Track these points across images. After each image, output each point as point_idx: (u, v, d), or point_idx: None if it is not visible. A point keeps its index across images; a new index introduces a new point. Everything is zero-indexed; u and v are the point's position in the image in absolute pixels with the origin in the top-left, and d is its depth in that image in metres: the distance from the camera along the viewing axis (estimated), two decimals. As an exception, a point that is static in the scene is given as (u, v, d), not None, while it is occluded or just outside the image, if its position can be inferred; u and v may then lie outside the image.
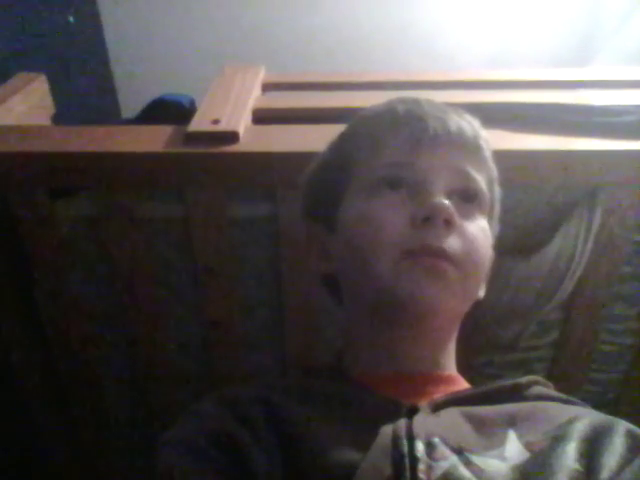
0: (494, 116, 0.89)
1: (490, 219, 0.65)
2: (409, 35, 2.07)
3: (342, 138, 0.69)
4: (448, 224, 0.57)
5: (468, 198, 0.61)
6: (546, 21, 2.05)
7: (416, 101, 0.65)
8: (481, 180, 0.62)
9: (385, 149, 0.62)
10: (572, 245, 0.87)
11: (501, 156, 0.74)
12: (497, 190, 0.68)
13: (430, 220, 0.57)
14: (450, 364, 0.65)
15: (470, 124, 0.64)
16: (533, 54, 2.06)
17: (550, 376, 1.02)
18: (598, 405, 0.58)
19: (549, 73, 1.11)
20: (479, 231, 0.60)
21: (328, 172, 0.68)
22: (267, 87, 1.08)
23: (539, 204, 0.88)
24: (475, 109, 0.89)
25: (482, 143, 0.64)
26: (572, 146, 0.84)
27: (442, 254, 0.56)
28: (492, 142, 0.77)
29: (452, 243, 0.57)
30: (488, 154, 0.65)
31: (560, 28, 2.05)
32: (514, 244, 0.72)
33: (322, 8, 2.06)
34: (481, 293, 0.66)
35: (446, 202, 0.57)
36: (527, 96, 0.96)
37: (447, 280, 0.56)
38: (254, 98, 0.99)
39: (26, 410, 1.08)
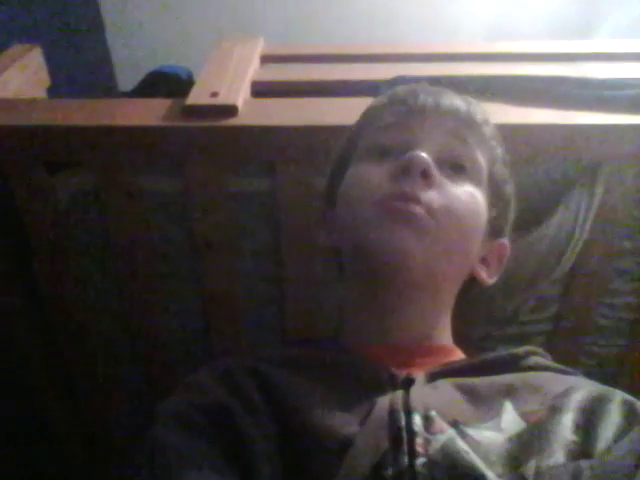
0: (495, 89, 0.89)
1: (493, 198, 0.65)
2: (409, 7, 2.04)
3: (353, 125, 0.72)
4: (426, 177, 0.58)
5: (458, 167, 0.62)
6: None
7: (418, 84, 0.68)
8: (475, 148, 0.63)
9: (380, 120, 0.66)
10: (573, 220, 0.87)
11: (501, 130, 0.74)
12: (502, 172, 0.68)
13: (407, 172, 0.58)
14: (444, 335, 0.65)
15: (467, 103, 0.65)
16: (534, 26, 2.03)
17: (548, 350, 1.02)
18: (596, 379, 0.58)
19: (550, 45, 1.09)
20: (466, 195, 0.61)
21: (340, 154, 0.71)
22: (266, 59, 1.06)
23: (540, 178, 0.88)
24: (476, 82, 0.89)
25: (478, 119, 0.65)
26: (574, 120, 0.83)
27: (415, 200, 0.57)
28: (492, 116, 0.76)
29: (430, 196, 0.58)
30: (486, 131, 0.65)
31: (563, 1, 2.02)
32: (515, 218, 0.73)
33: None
34: (489, 279, 0.67)
35: (424, 154, 0.58)
36: (528, 69, 0.95)
37: (419, 226, 0.57)
38: (253, 71, 0.98)
39: (27, 386, 1.09)
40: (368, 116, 0.69)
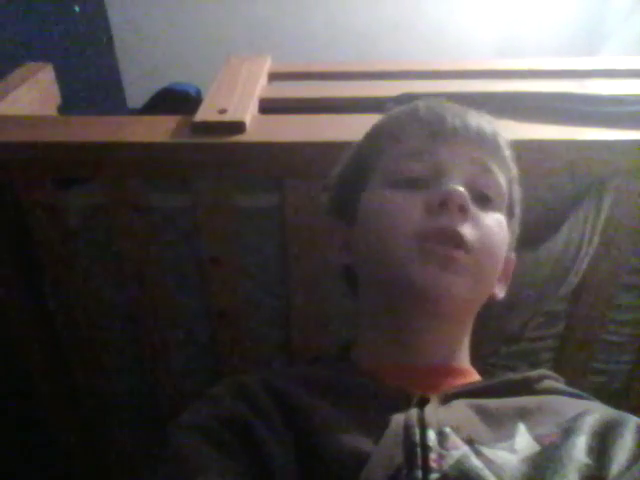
0: (501, 106, 0.89)
1: (510, 218, 0.66)
2: (416, 24, 2.06)
3: (366, 137, 0.71)
4: (462, 210, 0.58)
5: (485, 192, 0.62)
6: (553, 11, 2.04)
7: (437, 100, 0.67)
8: (500, 174, 0.63)
9: (406, 141, 0.64)
10: (580, 236, 0.87)
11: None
12: (517, 190, 0.68)
13: (445, 205, 0.57)
14: (464, 357, 0.65)
15: (490, 123, 0.65)
16: (540, 44, 2.05)
17: (556, 366, 1.02)
18: (605, 395, 0.58)
19: (556, 62, 1.10)
20: (495, 223, 0.61)
21: (353, 169, 0.70)
22: (273, 77, 1.07)
23: (546, 194, 0.88)
24: (482, 98, 0.89)
25: (501, 142, 0.65)
26: (580, 136, 0.83)
27: (457, 239, 0.57)
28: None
29: (467, 230, 0.58)
30: (507, 154, 0.66)
31: (567, 17, 2.03)
32: (521, 235, 0.73)
33: (328, -2, 2.05)
34: (500, 294, 0.67)
35: (461, 188, 0.58)
36: (534, 86, 0.96)
37: (460, 268, 0.57)
38: (260, 88, 0.99)
39: (34, 399, 1.09)
40: (389, 136, 0.66)
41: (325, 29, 2.06)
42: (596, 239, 0.88)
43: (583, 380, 1.02)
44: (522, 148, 0.81)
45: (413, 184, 0.61)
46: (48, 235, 0.92)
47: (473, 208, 0.59)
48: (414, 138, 0.63)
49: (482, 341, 0.97)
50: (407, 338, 0.62)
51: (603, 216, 0.86)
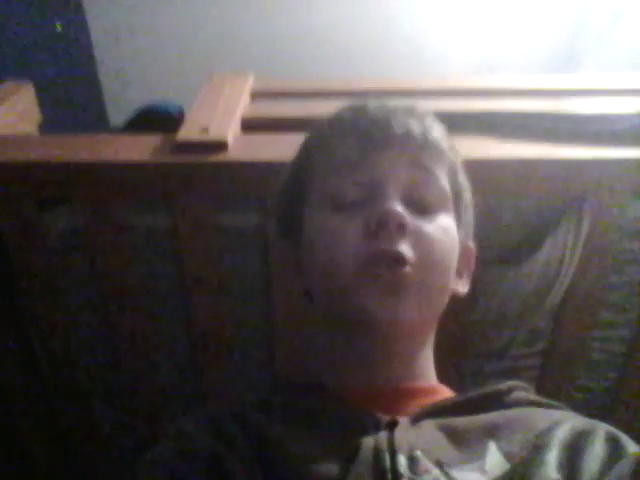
0: (480, 124, 0.90)
1: (457, 211, 0.64)
2: (395, 43, 2.08)
3: (297, 154, 0.69)
4: (401, 229, 0.56)
5: (425, 198, 0.60)
6: (532, 29, 2.07)
7: (362, 107, 0.65)
8: (439, 173, 0.61)
9: (334, 157, 0.62)
10: (561, 253, 0.88)
11: (487, 165, 0.74)
12: (463, 178, 0.66)
13: (383, 227, 0.56)
14: (428, 374, 0.64)
15: (420, 121, 0.62)
16: (519, 62, 2.07)
17: (540, 384, 1.02)
18: (589, 413, 0.58)
19: (535, 81, 1.11)
20: (438, 231, 0.59)
21: (290, 188, 0.68)
22: (256, 95, 1.07)
23: (527, 212, 0.89)
24: (461, 118, 0.90)
25: (435, 136, 0.62)
26: (559, 154, 0.84)
27: (398, 258, 0.55)
28: (478, 151, 0.77)
29: (407, 248, 0.56)
30: (445, 145, 0.63)
31: (546, 36, 2.06)
32: (503, 252, 0.73)
33: (308, 16, 2.06)
34: (463, 289, 0.65)
35: (397, 207, 0.56)
36: (513, 104, 0.97)
37: (408, 289, 0.56)
38: (243, 106, 0.99)
39: (13, 425, 1.07)
40: (317, 150, 0.65)
41: (304, 48, 2.07)
42: (577, 256, 0.88)
43: (567, 398, 1.02)
44: (501, 167, 0.82)
45: (350, 204, 0.59)
46: (28, 257, 0.90)
47: (412, 221, 0.57)
48: (343, 150, 0.61)
49: (467, 359, 0.98)
50: (368, 362, 0.61)
51: (583, 233, 0.87)
